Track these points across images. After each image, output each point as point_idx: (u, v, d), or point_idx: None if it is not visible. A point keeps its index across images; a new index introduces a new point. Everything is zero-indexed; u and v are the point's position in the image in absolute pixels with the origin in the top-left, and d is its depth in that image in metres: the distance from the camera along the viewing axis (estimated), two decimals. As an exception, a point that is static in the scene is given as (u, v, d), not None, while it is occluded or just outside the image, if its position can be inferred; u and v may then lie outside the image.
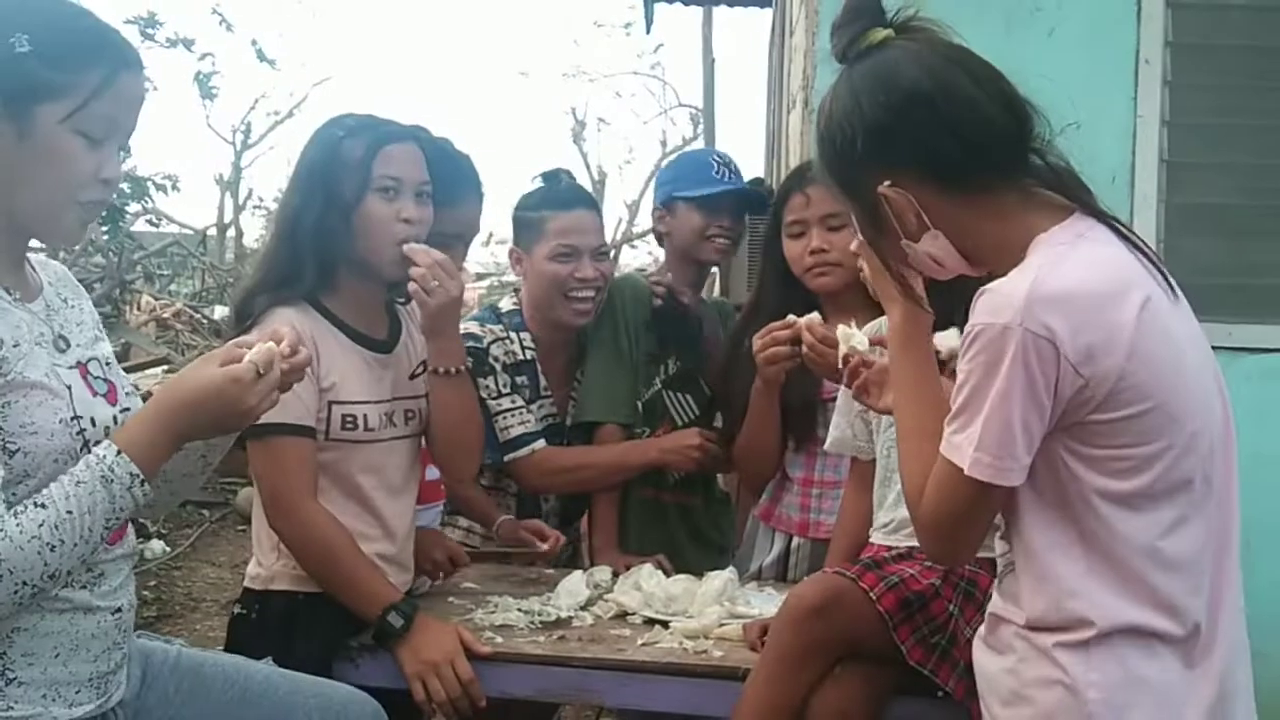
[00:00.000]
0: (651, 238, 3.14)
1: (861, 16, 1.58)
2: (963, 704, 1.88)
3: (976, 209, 1.54)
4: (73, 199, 1.59)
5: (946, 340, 1.79)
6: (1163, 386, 1.44)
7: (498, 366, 2.77)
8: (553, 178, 2.89)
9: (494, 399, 2.75)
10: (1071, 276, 1.43)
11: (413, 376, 2.32)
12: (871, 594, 1.89)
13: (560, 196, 2.84)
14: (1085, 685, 1.46)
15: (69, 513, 1.50)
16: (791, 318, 2.40)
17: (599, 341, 2.87)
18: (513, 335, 2.82)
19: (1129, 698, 1.46)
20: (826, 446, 2.34)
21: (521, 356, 2.82)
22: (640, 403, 2.87)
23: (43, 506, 1.50)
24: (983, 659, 1.63)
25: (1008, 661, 1.56)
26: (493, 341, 2.78)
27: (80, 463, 1.54)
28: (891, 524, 2.13)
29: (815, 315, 2.37)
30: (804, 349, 2.35)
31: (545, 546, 2.66)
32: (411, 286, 2.19)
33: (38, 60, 1.53)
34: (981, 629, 1.66)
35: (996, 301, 1.44)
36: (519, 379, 2.80)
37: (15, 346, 1.55)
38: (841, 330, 1.96)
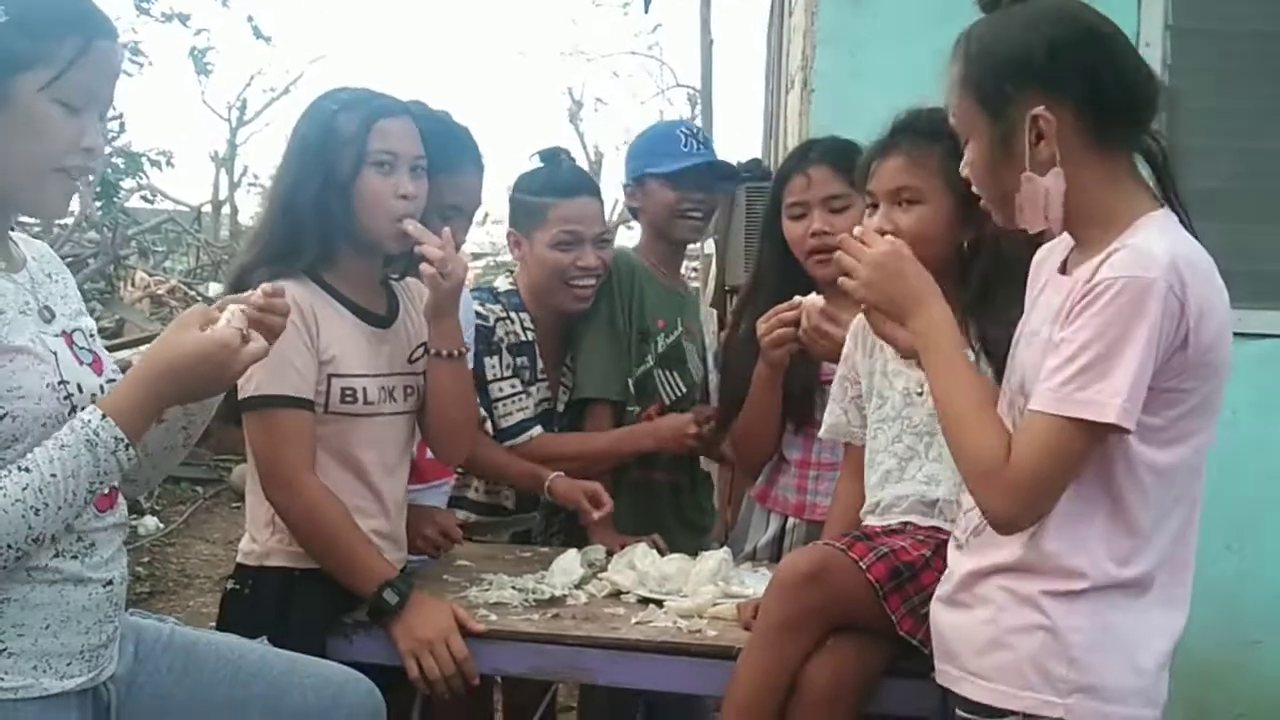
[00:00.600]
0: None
1: None
2: None
3: (1099, 167, 1.62)
4: (54, 167, 1.59)
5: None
6: (1223, 369, 1.60)
7: (502, 346, 2.75)
8: (552, 159, 2.85)
9: (496, 381, 2.73)
10: (1194, 248, 1.58)
11: (413, 359, 2.31)
12: (861, 563, 1.90)
13: (563, 182, 2.80)
14: (1068, 629, 1.59)
15: (53, 476, 1.50)
16: (797, 299, 2.40)
17: (593, 318, 2.84)
18: (513, 315, 2.80)
19: (1107, 641, 1.59)
20: (822, 433, 2.34)
21: (523, 337, 2.80)
22: (631, 380, 2.86)
23: (26, 470, 1.50)
24: (948, 618, 1.73)
25: (984, 613, 1.67)
26: (497, 321, 2.76)
27: (65, 426, 1.54)
28: (880, 505, 2.13)
29: (818, 297, 2.37)
30: (801, 331, 2.35)
31: (598, 515, 2.62)
32: (425, 268, 2.18)
33: (15, 30, 1.53)
34: (940, 593, 1.75)
35: (1138, 258, 1.52)
36: (520, 360, 2.79)
37: (1, 314, 1.56)
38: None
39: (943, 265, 2.06)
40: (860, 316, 2.25)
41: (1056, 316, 1.61)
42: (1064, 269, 1.71)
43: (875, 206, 2.13)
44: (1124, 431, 1.53)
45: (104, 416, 1.55)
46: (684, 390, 2.90)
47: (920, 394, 2.10)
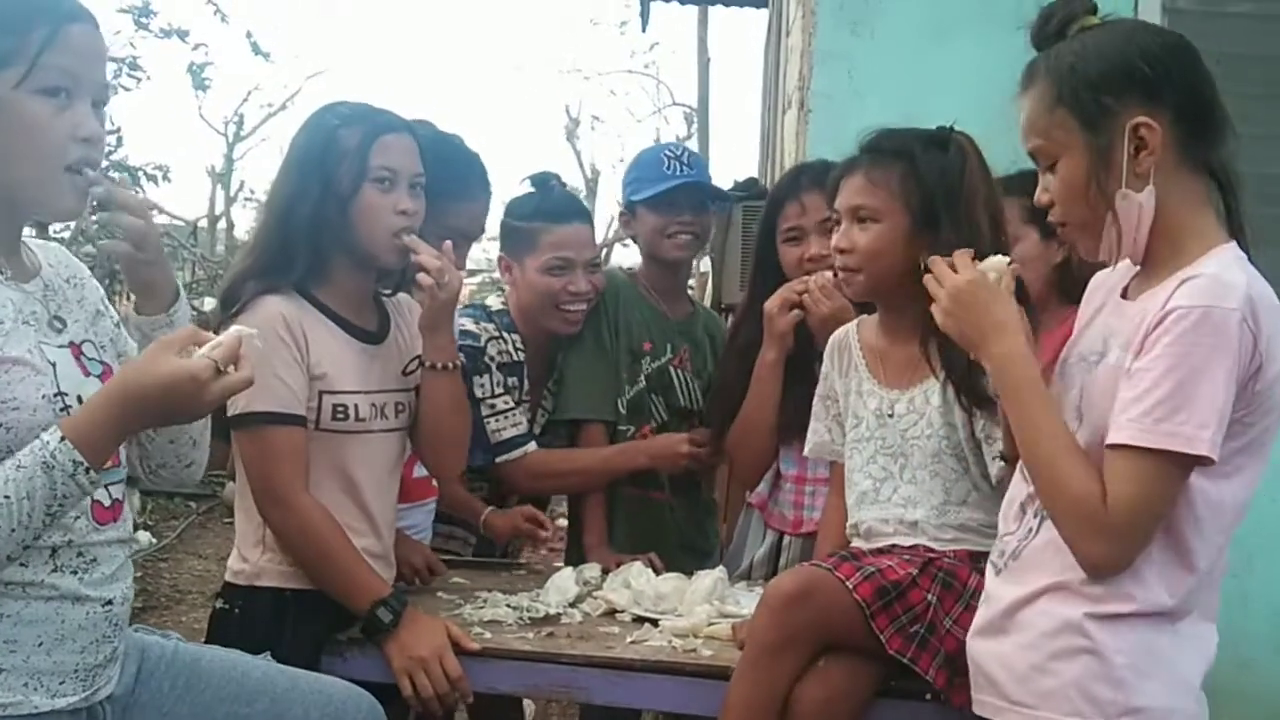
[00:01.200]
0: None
1: (1073, 3, 1.67)
2: (944, 694, 1.89)
3: (1184, 187, 1.61)
4: (58, 166, 1.57)
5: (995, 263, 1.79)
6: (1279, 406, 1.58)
7: (493, 365, 2.74)
8: (543, 184, 2.85)
9: (488, 399, 2.73)
10: (1264, 283, 1.56)
11: (406, 373, 2.30)
12: (848, 583, 1.90)
13: (554, 208, 2.79)
14: (1113, 652, 1.57)
15: (5, 498, 1.47)
16: (805, 277, 2.46)
17: (580, 340, 2.84)
18: (505, 336, 2.79)
19: (1152, 662, 1.58)
20: (806, 451, 2.35)
21: (514, 357, 2.80)
22: (624, 400, 2.85)
23: None
24: (986, 646, 1.70)
25: (1024, 638, 1.65)
26: (489, 340, 2.75)
27: (25, 447, 1.51)
28: (862, 528, 2.14)
29: (827, 272, 2.37)
30: (805, 297, 2.42)
31: (546, 534, 2.64)
32: (424, 278, 2.17)
33: None
34: (978, 622, 1.72)
35: (1216, 287, 1.51)
36: (510, 379, 2.78)
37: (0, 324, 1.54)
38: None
39: (898, 283, 2.09)
40: (837, 333, 2.29)
41: (1128, 344, 1.58)
42: (1125, 293, 1.69)
43: (839, 223, 2.16)
44: (1210, 463, 1.51)
45: (63, 439, 1.50)
46: (666, 418, 2.88)
47: (891, 415, 2.12)
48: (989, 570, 1.79)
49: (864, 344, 2.22)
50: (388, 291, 2.34)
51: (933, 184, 2.06)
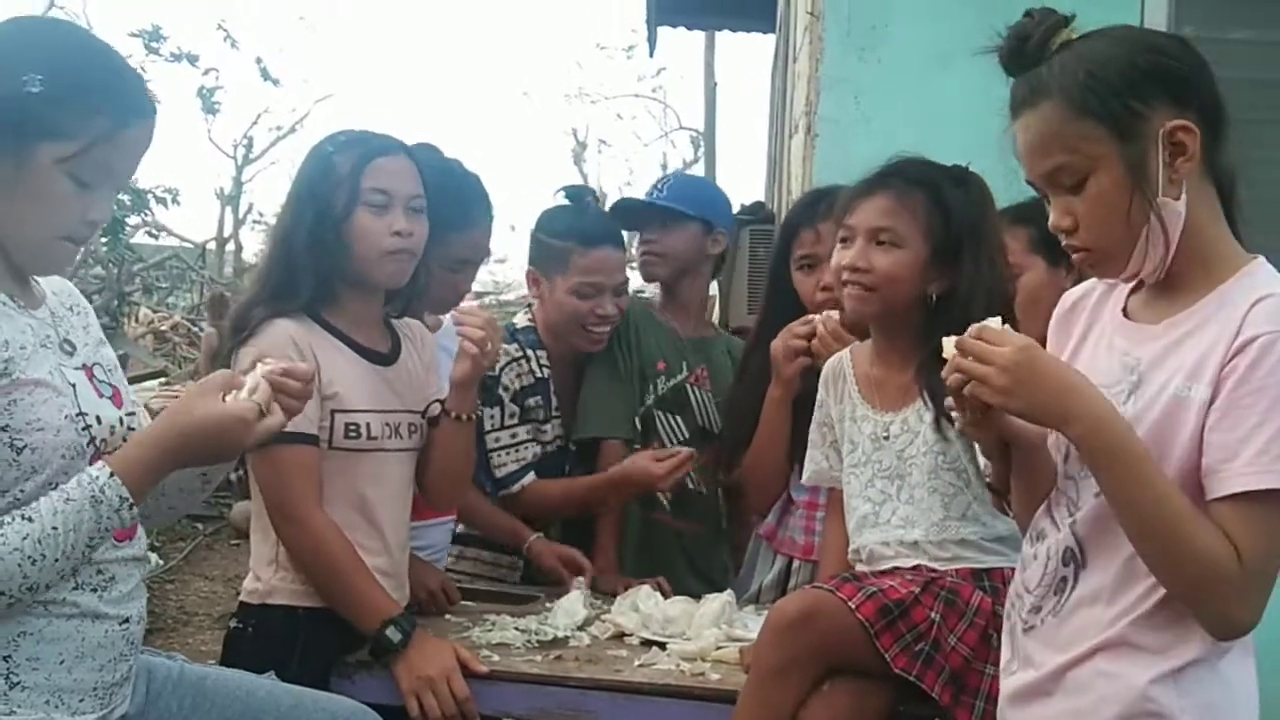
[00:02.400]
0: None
1: (1050, 17, 1.56)
2: (950, 711, 1.89)
3: (1205, 193, 1.51)
4: (55, 236, 1.61)
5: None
6: None
7: (505, 397, 2.74)
8: (578, 199, 2.87)
9: (492, 432, 2.73)
10: None
11: (425, 414, 2.32)
12: (850, 603, 1.90)
13: (589, 230, 2.80)
14: (1178, 711, 1.46)
15: (54, 529, 1.52)
16: (811, 315, 2.44)
17: (599, 359, 2.87)
18: (529, 353, 2.80)
19: (1213, 712, 1.48)
20: (804, 479, 2.35)
21: (539, 374, 2.80)
22: (636, 419, 2.87)
23: (29, 520, 1.52)
24: (1029, 714, 1.59)
25: (1080, 702, 1.52)
26: (506, 365, 2.74)
27: (73, 479, 1.55)
28: (864, 552, 2.13)
29: (833, 312, 2.38)
30: (814, 342, 2.39)
31: (576, 582, 2.56)
32: (468, 346, 2.21)
33: (47, 101, 1.54)
34: (1012, 688, 1.62)
35: None
36: (532, 400, 2.78)
37: (21, 349, 1.58)
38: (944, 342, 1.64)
39: (905, 310, 2.10)
40: (830, 360, 2.28)
41: (1195, 374, 1.45)
42: (1127, 313, 1.59)
43: (846, 241, 2.12)
44: None
45: (111, 475, 1.56)
46: (686, 435, 2.89)
47: (887, 437, 2.12)
48: (1013, 627, 1.66)
49: (858, 371, 2.22)
50: (395, 315, 2.36)
51: (957, 219, 2.08)
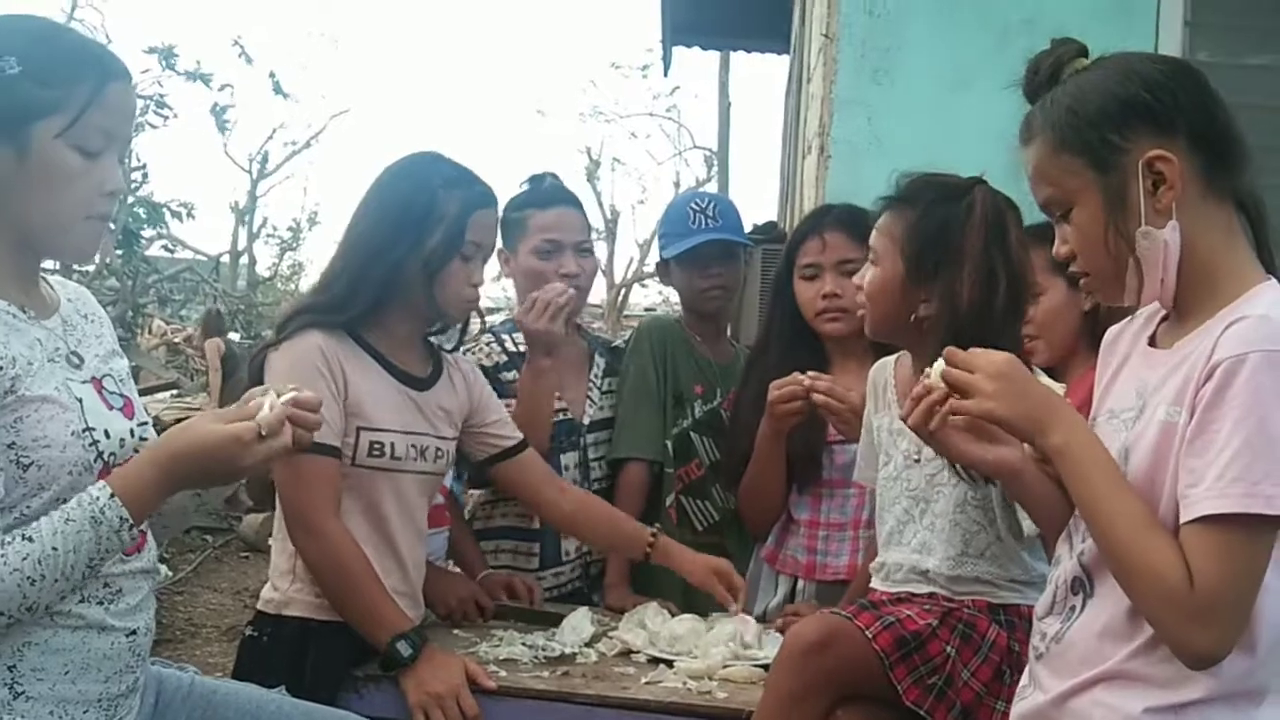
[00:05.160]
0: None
1: (1059, 48, 1.58)
2: None
3: (1212, 218, 1.49)
4: (80, 215, 1.62)
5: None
6: None
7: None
8: (538, 179, 2.91)
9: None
10: None
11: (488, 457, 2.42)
12: (867, 632, 1.89)
13: (543, 195, 2.85)
14: None
15: (54, 549, 1.52)
16: (796, 375, 2.41)
17: (627, 377, 2.88)
18: (503, 337, 2.82)
19: None
20: (855, 475, 2.33)
21: (512, 350, 2.79)
22: (669, 442, 2.86)
23: (29, 540, 1.52)
24: None
25: None
26: (468, 350, 2.67)
27: (74, 499, 1.55)
28: (884, 568, 2.13)
29: (819, 375, 2.40)
30: (818, 400, 2.37)
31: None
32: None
33: (28, 79, 1.55)
34: (1021, 712, 1.59)
35: (1267, 329, 1.38)
36: (508, 374, 2.75)
37: (29, 364, 1.58)
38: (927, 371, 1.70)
39: (906, 327, 2.09)
40: (875, 367, 2.27)
41: (1177, 397, 1.44)
42: (1154, 341, 1.57)
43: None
44: None
45: (112, 495, 1.55)
46: (718, 456, 2.87)
47: (919, 460, 2.10)
48: (1033, 651, 1.64)
49: (899, 382, 2.19)
50: (439, 335, 2.39)
51: (930, 235, 2.05)
